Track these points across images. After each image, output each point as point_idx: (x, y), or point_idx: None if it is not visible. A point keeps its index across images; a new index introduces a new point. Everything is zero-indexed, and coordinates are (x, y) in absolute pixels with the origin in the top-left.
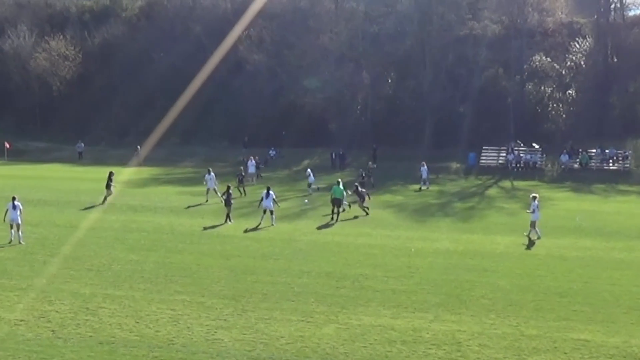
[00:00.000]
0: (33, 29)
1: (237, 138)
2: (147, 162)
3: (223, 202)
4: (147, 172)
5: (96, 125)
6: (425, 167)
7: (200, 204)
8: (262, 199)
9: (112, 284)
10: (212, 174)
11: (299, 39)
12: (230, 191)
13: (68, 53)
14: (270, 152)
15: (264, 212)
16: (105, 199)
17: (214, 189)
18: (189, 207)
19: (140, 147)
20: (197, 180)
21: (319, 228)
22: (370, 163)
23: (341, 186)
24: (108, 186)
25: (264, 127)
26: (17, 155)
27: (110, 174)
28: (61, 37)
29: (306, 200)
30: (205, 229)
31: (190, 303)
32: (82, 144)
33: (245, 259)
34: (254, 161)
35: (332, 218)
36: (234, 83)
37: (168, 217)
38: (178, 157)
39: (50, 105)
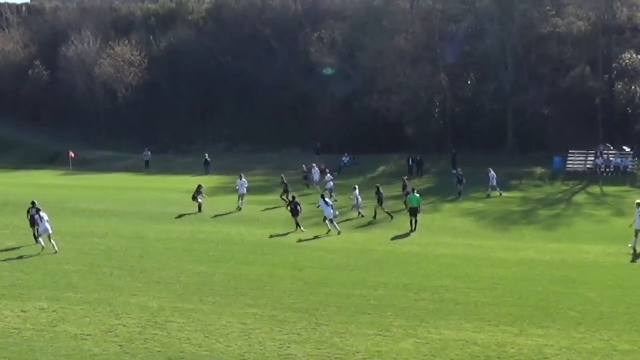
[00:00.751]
0: (97, 34)
1: (309, 144)
2: (215, 170)
3: (290, 211)
4: (215, 180)
5: (162, 132)
6: (492, 172)
7: (270, 207)
8: (318, 206)
9: (180, 296)
10: (244, 179)
11: (373, 39)
12: (297, 200)
13: (133, 58)
14: (344, 158)
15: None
16: (200, 206)
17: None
18: (264, 209)
19: (208, 154)
20: (268, 189)
21: (394, 238)
22: (458, 170)
23: (417, 194)
24: (194, 198)
25: (336, 133)
26: (82, 165)
27: (199, 187)
28: (126, 42)
29: (337, 212)
30: (274, 237)
31: (261, 316)
32: (149, 152)
33: (318, 270)
34: (317, 168)
35: (411, 227)
36: (305, 87)
37: (237, 226)
38: (247, 165)
39: (116, 112)
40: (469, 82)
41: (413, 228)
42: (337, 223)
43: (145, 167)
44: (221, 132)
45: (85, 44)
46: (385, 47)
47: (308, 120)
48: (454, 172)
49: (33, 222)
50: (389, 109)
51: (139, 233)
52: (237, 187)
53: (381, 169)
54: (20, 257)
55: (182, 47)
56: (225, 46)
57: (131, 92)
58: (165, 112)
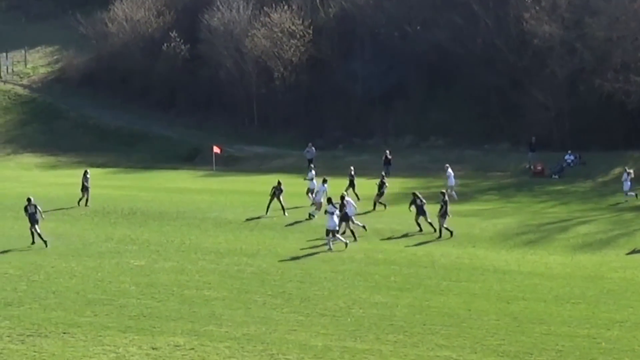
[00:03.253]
0: None
1: (521, 138)
2: (398, 170)
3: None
4: (397, 184)
5: (331, 123)
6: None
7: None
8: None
9: (352, 334)
10: (326, 185)
11: (608, 2)
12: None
13: (294, 28)
14: (567, 157)
15: None
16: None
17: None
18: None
19: (390, 151)
20: (468, 196)
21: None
22: None
23: None
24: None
25: (557, 124)
26: (229, 164)
27: (415, 197)
28: (285, 7)
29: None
30: (474, 260)
31: None
32: (313, 149)
33: (532, 303)
34: (450, 170)
35: None
36: (517, 65)
37: (426, 245)
38: (440, 165)
39: (272, 97)
40: None
41: None
42: None
43: (308, 167)
44: (406, 123)
45: (234, 10)
46: (624, 11)
47: (519, 108)
48: None
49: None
50: (627, 93)
51: (299, 252)
52: (314, 193)
53: (616, 170)
54: (151, 281)
55: (356, 14)
56: (413, 12)
57: (291, 72)
58: (335, 97)
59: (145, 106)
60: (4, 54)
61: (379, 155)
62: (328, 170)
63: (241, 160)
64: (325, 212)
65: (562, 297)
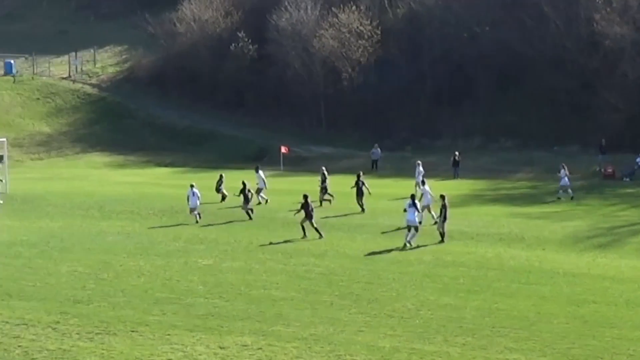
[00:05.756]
0: None
1: (591, 140)
2: (466, 172)
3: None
4: (466, 186)
5: (398, 124)
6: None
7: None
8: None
9: (419, 335)
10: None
11: None
12: None
13: (363, 29)
14: (638, 159)
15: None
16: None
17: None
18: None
19: (459, 153)
20: (536, 198)
21: None
22: None
23: None
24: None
25: (629, 126)
26: (295, 164)
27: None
28: (353, 8)
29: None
30: (543, 262)
31: None
32: (379, 150)
33: (603, 307)
34: (565, 171)
35: None
36: (587, 66)
37: (495, 247)
38: (509, 166)
39: (339, 97)
40: None
41: None
42: None
43: (373, 168)
44: (474, 124)
45: (302, 10)
46: None
47: (589, 110)
48: None
49: None
50: None
51: (367, 252)
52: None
53: None
54: (218, 280)
55: (425, 14)
56: (482, 12)
57: (359, 73)
58: (403, 98)
59: (212, 106)
60: (74, 53)
61: (447, 157)
62: (395, 171)
63: (308, 161)
64: (404, 209)
65: (633, 301)
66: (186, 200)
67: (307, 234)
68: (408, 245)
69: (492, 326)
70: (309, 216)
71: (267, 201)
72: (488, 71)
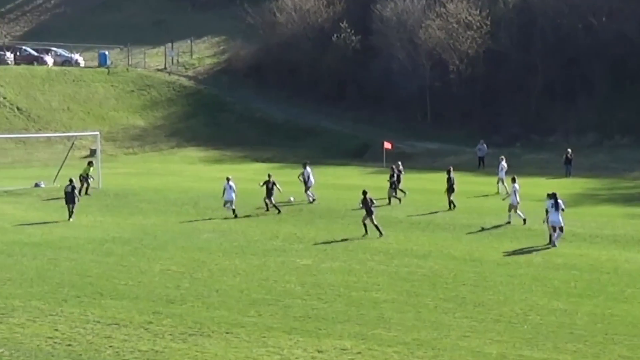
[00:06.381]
0: None
1: None
2: (579, 170)
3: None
4: (579, 185)
5: (508, 119)
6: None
7: None
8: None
9: (528, 342)
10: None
11: None
12: None
13: (471, 19)
14: None
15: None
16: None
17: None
18: None
19: (571, 150)
20: None
21: None
22: None
23: None
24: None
25: None
26: (400, 160)
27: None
28: None
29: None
30: None
31: None
32: (485, 146)
33: None
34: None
35: None
36: None
37: (609, 249)
38: (625, 165)
39: (446, 91)
40: None
41: None
42: None
43: (479, 166)
44: (589, 120)
45: (408, 0)
46: None
47: None
48: None
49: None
50: None
51: (474, 254)
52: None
53: None
54: (317, 281)
55: (538, 4)
56: (598, 2)
57: (467, 65)
58: (513, 91)
59: (313, 99)
60: (170, 44)
61: (559, 154)
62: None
63: (412, 157)
64: (546, 210)
65: None
66: (222, 193)
67: (367, 231)
68: (553, 246)
69: (605, 333)
70: (369, 212)
71: (314, 200)
72: (604, 64)
